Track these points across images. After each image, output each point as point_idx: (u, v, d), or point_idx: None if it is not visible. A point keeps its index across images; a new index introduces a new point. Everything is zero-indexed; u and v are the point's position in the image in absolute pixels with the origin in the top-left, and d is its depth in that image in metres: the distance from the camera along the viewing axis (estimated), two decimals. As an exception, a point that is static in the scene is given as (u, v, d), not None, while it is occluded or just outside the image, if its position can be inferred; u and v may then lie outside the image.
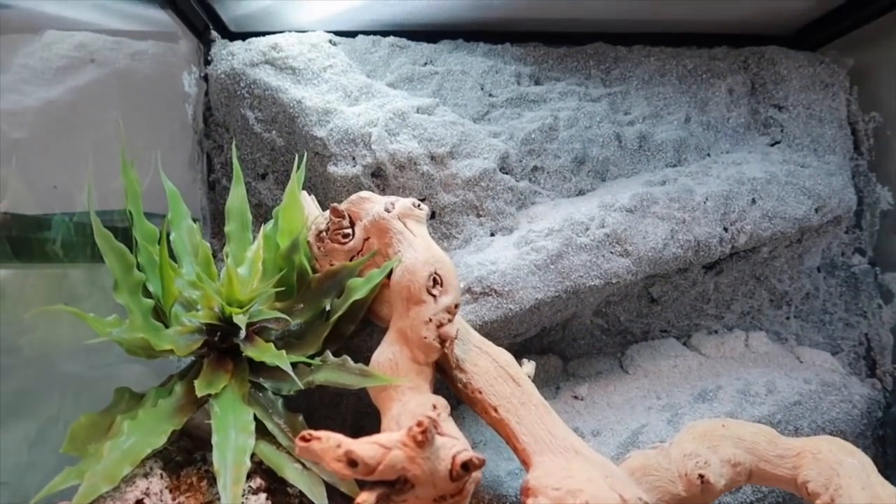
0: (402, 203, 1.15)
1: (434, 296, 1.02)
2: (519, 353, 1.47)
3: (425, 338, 1.00)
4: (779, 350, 1.45)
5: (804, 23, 1.69)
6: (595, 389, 1.37)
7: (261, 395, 1.12)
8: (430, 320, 1.01)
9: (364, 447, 0.80)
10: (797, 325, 1.57)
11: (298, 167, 1.25)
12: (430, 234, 1.41)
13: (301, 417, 1.09)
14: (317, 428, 0.82)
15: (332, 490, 1.01)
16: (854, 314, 1.58)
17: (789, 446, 1.00)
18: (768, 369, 1.36)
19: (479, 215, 1.37)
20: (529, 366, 1.16)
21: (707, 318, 1.53)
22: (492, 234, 1.37)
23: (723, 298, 1.53)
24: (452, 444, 0.87)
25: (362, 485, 0.82)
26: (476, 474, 0.96)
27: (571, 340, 1.49)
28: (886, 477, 1.30)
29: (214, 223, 1.59)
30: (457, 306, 1.04)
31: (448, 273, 1.05)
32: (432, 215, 1.40)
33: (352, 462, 0.79)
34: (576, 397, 1.35)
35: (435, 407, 0.96)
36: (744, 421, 1.08)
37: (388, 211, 1.14)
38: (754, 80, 1.63)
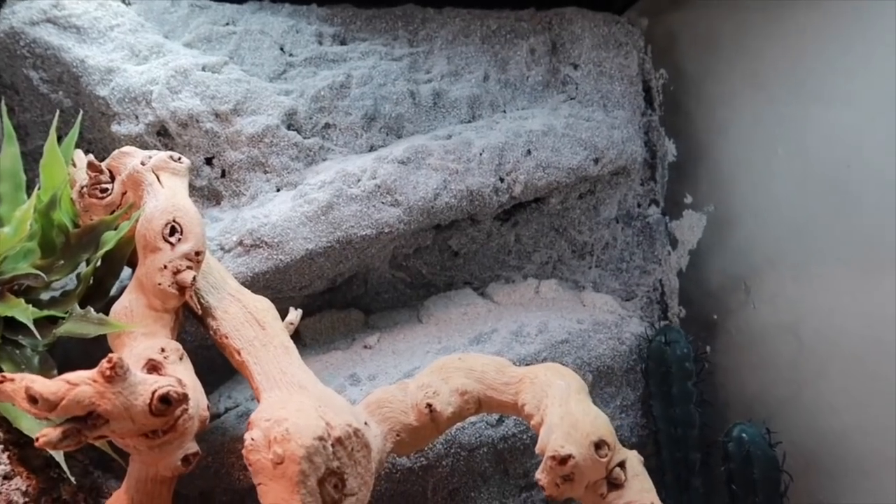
0: (159, 156, 1.15)
1: (171, 243, 1.03)
2: (322, 307, 1.51)
3: (160, 284, 1.01)
4: (566, 295, 1.53)
5: (611, -15, 1.76)
6: (385, 339, 1.42)
7: (16, 351, 1.12)
8: (166, 267, 1.02)
9: (46, 383, 0.81)
10: (596, 274, 1.65)
11: (69, 125, 1.24)
12: (220, 192, 1.43)
13: (55, 371, 1.10)
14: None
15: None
16: (650, 262, 1.68)
17: (514, 374, 1.06)
18: (547, 312, 1.43)
19: (265, 171, 1.39)
20: (294, 314, 1.19)
21: (509, 269, 1.59)
22: (278, 190, 1.39)
23: (524, 250, 1.60)
24: (156, 380, 0.89)
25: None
26: (199, 412, 0.99)
27: (375, 294, 1.53)
28: (648, 406, 1.40)
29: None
30: (198, 253, 1.05)
31: (189, 222, 1.06)
32: (222, 174, 1.41)
33: (31, 398, 0.80)
34: (365, 347, 1.40)
35: (163, 350, 0.98)
36: (480, 354, 1.14)
37: (143, 164, 1.14)
38: (555, 41, 1.69)
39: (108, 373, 0.83)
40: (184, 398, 0.88)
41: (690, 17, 1.67)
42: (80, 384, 0.82)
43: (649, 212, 1.69)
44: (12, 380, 0.83)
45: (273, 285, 1.29)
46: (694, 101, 1.66)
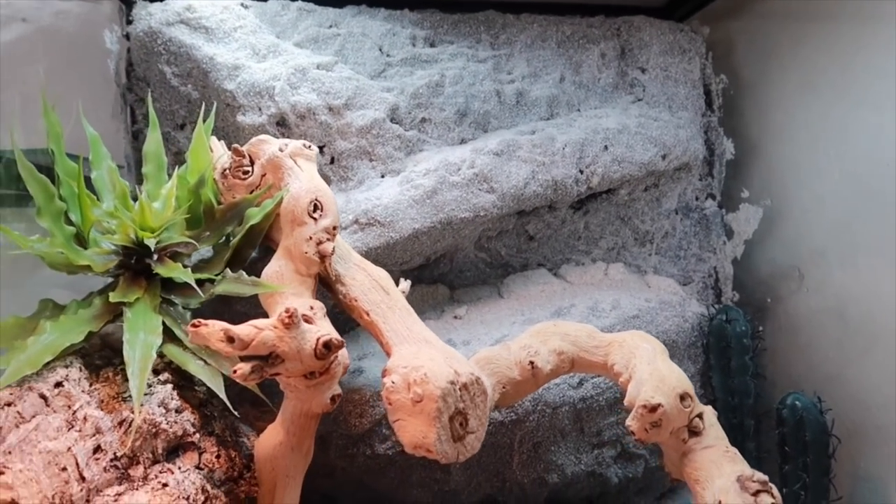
0: (294, 144, 1.34)
1: (314, 218, 1.22)
2: (413, 282, 1.68)
3: (306, 252, 1.20)
4: (632, 278, 1.69)
5: (673, -4, 1.92)
6: (472, 311, 1.59)
7: (171, 308, 1.30)
8: (311, 238, 1.20)
9: (241, 327, 1.00)
10: (656, 260, 1.81)
11: (207, 115, 1.42)
12: (329, 177, 1.61)
13: (206, 326, 1.28)
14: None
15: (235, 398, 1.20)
16: (706, 251, 1.83)
17: (603, 339, 1.23)
18: (618, 291, 1.59)
19: (371, 160, 1.57)
20: (405, 284, 1.38)
21: (578, 253, 1.76)
22: (382, 177, 1.56)
23: (592, 236, 1.76)
24: (318, 329, 1.07)
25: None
26: (343, 359, 1.17)
27: (458, 272, 1.71)
28: (707, 377, 1.56)
29: (138, 170, 1.74)
30: (335, 228, 1.24)
31: (327, 200, 1.24)
32: (331, 161, 1.59)
33: (229, 338, 0.98)
34: (455, 317, 1.57)
35: (312, 308, 1.16)
36: (572, 322, 1.31)
37: (281, 150, 1.32)
38: (624, 46, 1.85)
39: (286, 321, 1.01)
40: (341, 344, 1.06)
41: (749, 27, 1.82)
42: (265, 329, 1.00)
43: (706, 205, 1.84)
44: (206, 324, 1.01)
45: (381, 260, 1.46)
46: (751, 105, 1.81)
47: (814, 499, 1.37)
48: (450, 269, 1.69)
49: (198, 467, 1.15)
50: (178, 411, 1.18)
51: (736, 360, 1.51)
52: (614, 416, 1.49)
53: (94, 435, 1.01)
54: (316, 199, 1.23)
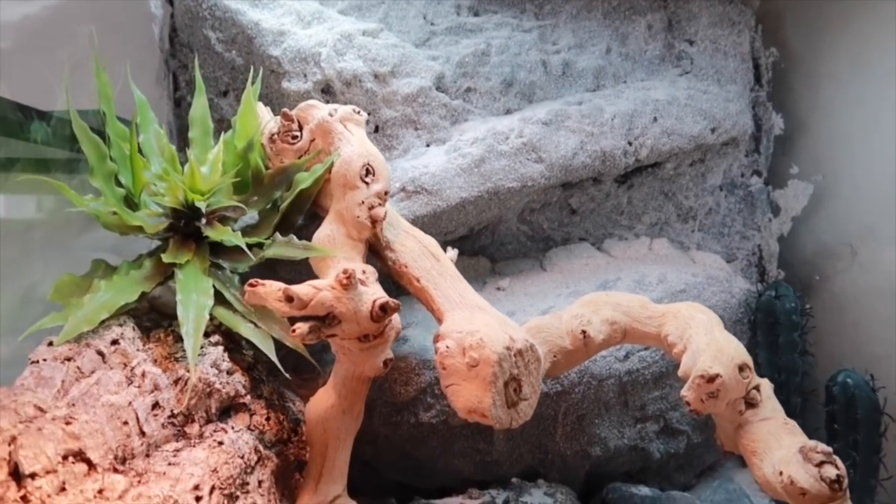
0: (344, 108, 1.32)
1: (367, 183, 1.21)
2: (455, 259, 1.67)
3: (358, 216, 1.19)
4: (677, 253, 1.67)
5: (722, -33, 1.87)
6: (515, 283, 1.58)
7: (219, 272, 1.30)
8: (363, 202, 1.19)
9: (299, 287, 0.99)
10: (699, 237, 1.79)
11: (254, 80, 1.41)
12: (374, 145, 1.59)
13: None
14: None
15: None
16: (750, 228, 1.80)
17: (657, 309, 1.22)
18: (664, 266, 1.57)
19: (416, 128, 1.55)
20: (452, 252, 1.37)
21: (621, 227, 1.74)
22: (427, 146, 1.55)
23: (635, 211, 1.74)
24: (374, 292, 1.06)
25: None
26: (395, 324, 1.16)
27: (500, 245, 1.69)
28: (754, 353, 1.54)
29: (180, 137, 1.74)
30: (386, 193, 1.23)
31: (379, 165, 1.23)
32: (375, 129, 1.57)
33: (289, 298, 0.98)
34: (498, 289, 1.56)
35: (364, 272, 1.16)
36: (624, 293, 1.29)
37: (331, 115, 1.31)
38: (671, 18, 1.81)
39: (344, 281, 1.00)
40: (397, 307, 1.06)
41: (799, 0, 1.77)
42: (323, 290, 1.00)
43: (752, 181, 1.81)
44: (264, 284, 1.01)
45: (426, 229, 1.44)
46: (801, 79, 1.77)
47: (863, 477, 1.35)
48: (491, 241, 1.68)
49: (249, 428, 1.16)
50: (229, 373, 1.19)
51: (784, 337, 1.49)
52: (659, 391, 1.47)
53: (152, 391, 1.02)
54: (368, 164, 1.22)
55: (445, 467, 1.46)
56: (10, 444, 0.78)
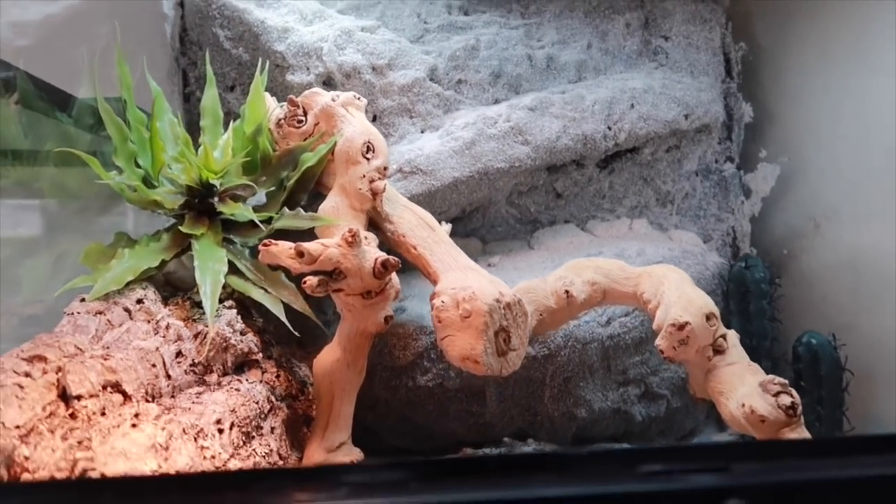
0: (345, 94, 1.44)
1: (368, 158, 1.32)
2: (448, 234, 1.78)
3: (360, 189, 1.30)
4: (655, 233, 1.79)
5: (694, -30, 2.01)
6: (505, 260, 1.69)
7: (231, 246, 1.41)
8: (364, 176, 1.31)
9: (309, 244, 1.10)
10: (677, 220, 1.91)
11: (262, 71, 1.53)
12: (371, 133, 1.71)
13: (261, 262, 1.39)
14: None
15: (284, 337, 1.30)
16: (724, 210, 1.93)
17: (633, 271, 1.33)
18: (643, 242, 1.69)
19: (411, 117, 1.67)
20: (447, 226, 1.48)
21: (603, 211, 1.86)
22: (422, 132, 1.67)
23: (616, 195, 1.86)
24: (376, 251, 1.18)
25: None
26: (395, 283, 1.27)
27: (490, 227, 1.81)
28: (727, 322, 1.65)
29: (190, 131, 1.85)
30: (385, 168, 1.34)
31: (379, 143, 1.35)
32: (373, 118, 1.69)
33: (300, 253, 1.09)
34: (489, 265, 1.67)
35: (366, 237, 1.27)
36: (605, 258, 1.41)
37: (333, 100, 1.43)
38: (647, 16, 1.94)
39: (350, 239, 1.11)
40: (398, 264, 1.17)
41: (767, -3, 1.91)
42: (331, 247, 1.11)
43: (725, 167, 1.94)
44: (276, 243, 1.12)
45: (422, 207, 1.56)
46: (769, 71, 1.91)
47: (828, 430, 1.46)
48: (482, 223, 1.80)
49: (261, 382, 1.26)
50: (242, 333, 1.29)
51: (754, 304, 1.61)
52: (639, 356, 1.58)
53: (176, 340, 1.12)
54: (369, 141, 1.33)
55: (442, 430, 1.57)
56: (57, 372, 0.89)
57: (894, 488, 0.56)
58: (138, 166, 1.41)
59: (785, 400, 1.05)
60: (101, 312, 1.10)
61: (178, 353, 1.12)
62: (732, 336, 1.23)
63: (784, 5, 1.88)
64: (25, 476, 0.73)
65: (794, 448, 0.64)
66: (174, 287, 1.42)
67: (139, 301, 1.19)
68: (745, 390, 1.11)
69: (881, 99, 1.59)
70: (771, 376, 1.10)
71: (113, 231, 1.41)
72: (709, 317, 1.19)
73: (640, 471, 0.59)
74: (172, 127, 1.53)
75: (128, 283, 1.20)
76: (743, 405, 1.09)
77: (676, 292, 1.22)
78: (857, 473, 0.57)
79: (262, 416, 1.17)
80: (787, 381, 1.08)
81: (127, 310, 1.15)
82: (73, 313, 1.08)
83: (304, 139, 1.46)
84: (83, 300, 1.13)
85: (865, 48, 1.66)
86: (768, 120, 1.88)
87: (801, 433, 1.06)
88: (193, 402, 1.05)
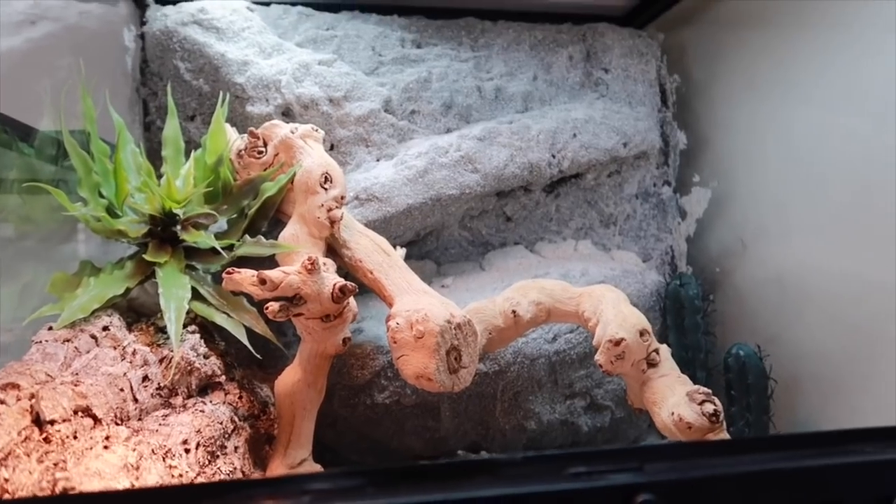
0: (304, 127, 1.52)
1: (325, 188, 1.40)
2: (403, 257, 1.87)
3: (318, 217, 1.38)
4: (599, 253, 1.90)
5: (632, 5, 2.15)
6: (458, 281, 1.78)
7: (193, 272, 1.47)
8: (323, 205, 1.39)
9: (270, 272, 1.17)
10: (619, 240, 2.03)
11: (222, 103, 1.60)
12: (329, 161, 1.78)
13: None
14: (237, 262, 1.18)
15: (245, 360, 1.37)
16: (663, 231, 2.06)
17: (575, 291, 1.43)
18: (586, 263, 1.80)
19: (367, 146, 1.76)
20: (401, 251, 1.56)
21: (550, 233, 1.97)
22: (377, 160, 1.75)
23: (562, 218, 1.97)
24: (334, 277, 1.25)
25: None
26: (353, 306, 1.35)
27: (444, 249, 1.90)
28: (664, 337, 1.77)
29: (150, 160, 1.90)
30: (343, 197, 1.42)
31: (336, 173, 1.43)
32: (330, 147, 1.77)
33: (262, 281, 1.16)
34: (443, 286, 1.76)
35: (325, 263, 1.34)
36: (549, 279, 1.51)
37: (292, 132, 1.50)
38: (589, 50, 2.07)
39: (309, 266, 1.19)
40: (355, 289, 1.25)
41: (699, 33, 2.06)
42: (291, 274, 1.18)
43: (662, 190, 2.07)
44: (239, 271, 1.19)
45: (378, 233, 1.64)
46: (701, 101, 2.05)
47: (756, 434, 1.58)
48: (436, 246, 1.89)
49: (224, 403, 1.32)
50: (206, 356, 1.35)
51: (689, 319, 1.73)
52: (584, 370, 1.69)
53: (142, 365, 1.17)
54: (327, 172, 1.41)
55: (399, 445, 1.64)
56: (30, 399, 0.94)
57: (777, 480, 0.66)
58: (102, 196, 1.46)
59: (709, 408, 1.16)
60: (68, 340, 1.15)
61: (145, 378, 1.17)
62: (665, 350, 1.34)
63: (714, 40, 2.03)
64: (6, 497, 0.78)
65: (696, 449, 0.74)
66: (137, 313, 1.46)
67: (105, 328, 1.24)
68: (675, 399, 1.22)
69: (803, 126, 1.74)
70: (697, 386, 1.21)
71: (74, 258, 1.45)
72: (642, 333, 1.30)
73: (566, 472, 0.68)
74: (135, 157, 1.58)
75: (94, 311, 1.25)
76: (673, 413, 1.19)
77: (613, 311, 1.32)
78: (748, 469, 0.67)
79: (226, 435, 1.23)
80: (710, 391, 1.19)
81: (94, 336, 1.20)
82: (41, 341, 1.13)
83: (265, 169, 1.53)
84: (51, 328, 1.18)
85: (788, 80, 1.81)
86: (701, 146, 2.03)
87: (723, 437, 1.17)
88: (160, 424, 1.10)
